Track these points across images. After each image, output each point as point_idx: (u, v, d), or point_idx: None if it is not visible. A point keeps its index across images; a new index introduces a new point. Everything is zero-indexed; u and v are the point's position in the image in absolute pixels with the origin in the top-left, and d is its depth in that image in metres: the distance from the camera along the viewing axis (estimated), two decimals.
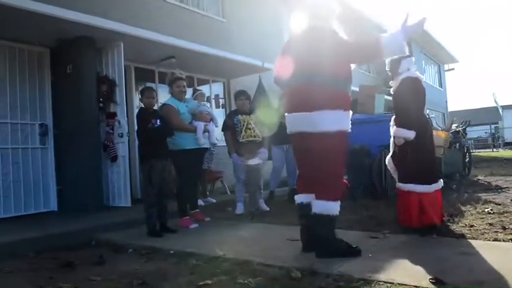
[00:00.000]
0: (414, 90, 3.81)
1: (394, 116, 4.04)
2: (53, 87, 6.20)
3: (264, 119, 5.59)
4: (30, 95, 5.94)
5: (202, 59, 7.62)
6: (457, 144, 7.83)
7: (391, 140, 3.97)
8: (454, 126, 8.14)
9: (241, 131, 5.39)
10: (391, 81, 4.03)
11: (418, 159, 3.75)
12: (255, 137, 5.43)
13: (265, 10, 10.46)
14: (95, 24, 5.52)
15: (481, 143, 29.12)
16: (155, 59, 7.29)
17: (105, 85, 6.18)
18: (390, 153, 3.98)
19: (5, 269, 3.35)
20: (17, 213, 5.55)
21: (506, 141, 28.08)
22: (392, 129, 3.86)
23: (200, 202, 5.98)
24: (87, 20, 5.43)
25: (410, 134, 3.70)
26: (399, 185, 3.82)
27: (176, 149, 4.64)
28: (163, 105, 4.84)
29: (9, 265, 3.46)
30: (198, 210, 5.11)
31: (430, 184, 3.74)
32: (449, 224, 3.88)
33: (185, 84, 4.96)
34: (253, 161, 5.33)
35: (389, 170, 4.17)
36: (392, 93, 4.08)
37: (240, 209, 5.45)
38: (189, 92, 5.98)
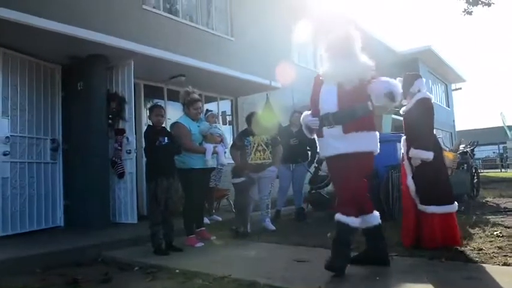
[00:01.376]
0: (430, 111, 3.92)
1: (405, 137, 4.05)
2: (63, 103, 6.30)
3: (272, 137, 5.61)
4: (44, 110, 6.04)
5: (211, 77, 7.71)
6: (465, 165, 7.78)
7: (405, 162, 3.97)
8: (461, 146, 8.10)
9: (251, 153, 5.42)
10: (403, 101, 4.05)
11: (439, 180, 3.84)
12: (264, 159, 5.44)
13: (273, 30, 10.59)
14: (108, 42, 5.64)
15: (489, 163, 28.90)
16: (165, 76, 7.39)
17: (115, 102, 6.26)
18: (409, 176, 3.96)
19: (13, 285, 3.36)
20: (30, 228, 5.57)
21: None
22: (410, 151, 3.86)
23: (206, 220, 5.96)
24: (100, 38, 5.54)
25: (429, 155, 3.75)
26: (423, 207, 3.82)
27: (184, 168, 4.67)
28: (176, 123, 4.82)
29: (17, 281, 3.46)
30: (204, 228, 5.10)
31: (453, 203, 3.84)
32: (457, 247, 3.83)
33: (201, 105, 4.98)
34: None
35: (396, 191, 4.17)
36: (402, 112, 4.11)
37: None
38: None
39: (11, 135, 5.38)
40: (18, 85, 5.59)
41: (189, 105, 4.82)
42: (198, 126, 4.91)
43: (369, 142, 3.21)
